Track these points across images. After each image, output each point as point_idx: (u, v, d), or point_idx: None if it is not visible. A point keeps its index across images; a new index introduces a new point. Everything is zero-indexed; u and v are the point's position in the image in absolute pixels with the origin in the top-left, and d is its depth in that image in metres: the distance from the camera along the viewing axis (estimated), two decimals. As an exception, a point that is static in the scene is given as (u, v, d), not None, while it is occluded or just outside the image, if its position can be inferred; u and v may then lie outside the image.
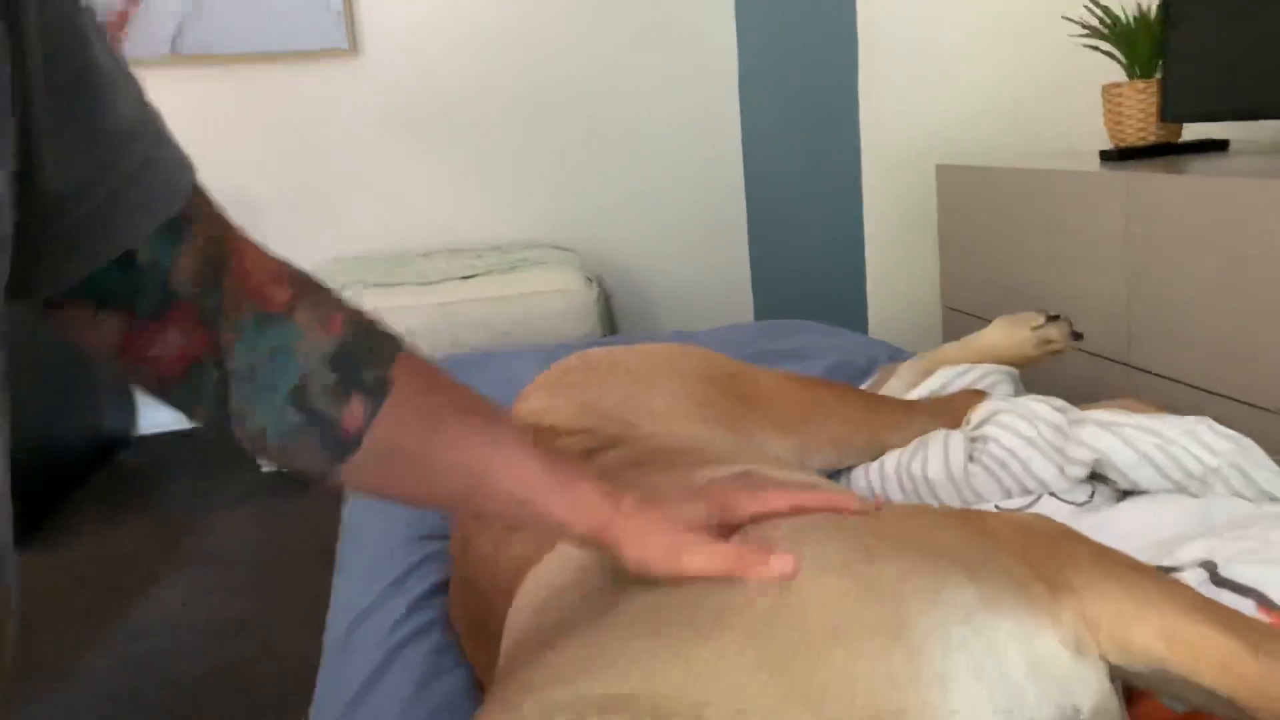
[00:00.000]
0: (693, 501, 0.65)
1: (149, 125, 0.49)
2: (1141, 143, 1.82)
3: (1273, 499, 0.99)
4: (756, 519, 0.66)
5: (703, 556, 0.60)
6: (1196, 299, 1.46)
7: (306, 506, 2.72)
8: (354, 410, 0.56)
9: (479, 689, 0.89)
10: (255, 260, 0.55)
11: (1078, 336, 1.46)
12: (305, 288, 0.57)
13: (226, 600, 2.15)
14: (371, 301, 2.77)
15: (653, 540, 0.62)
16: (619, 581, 0.65)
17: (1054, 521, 0.71)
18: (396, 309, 2.79)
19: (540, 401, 1.14)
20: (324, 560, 2.26)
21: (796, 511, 0.66)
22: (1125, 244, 1.59)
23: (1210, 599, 0.62)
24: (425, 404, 0.60)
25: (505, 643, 0.72)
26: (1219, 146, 1.81)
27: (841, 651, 0.54)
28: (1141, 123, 1.79)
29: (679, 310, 3.69)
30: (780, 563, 0.59)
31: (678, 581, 0.61)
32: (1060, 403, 1.11)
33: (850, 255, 2.40)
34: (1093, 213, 1.67)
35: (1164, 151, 1.79)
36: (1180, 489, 1.00)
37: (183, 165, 0.52)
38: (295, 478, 2.97)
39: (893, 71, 2.28)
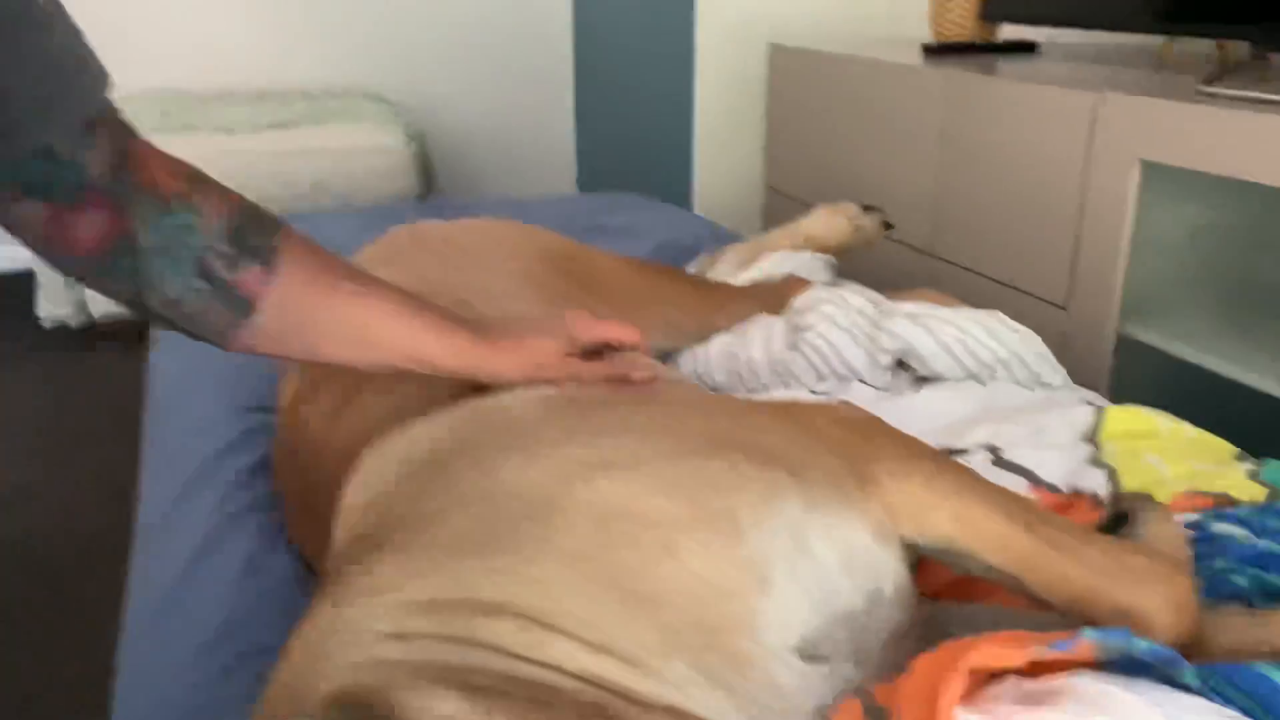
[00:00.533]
0: (545, 336, 0.79)
1: (73, 52, 0.60)
2: (960, 39, 1.90)
3: (1046, 386, 1.11)
4: (595, 341, 0.81)
5: (559, 370, 0.78)
6: (996, 198, 1.57)
7: (96, 364, 2.54)
8: (250, 275, 0.68)
9: (307, 569, 0.89)
10: (155, 158, 0.67)
11: (889, 228, 1.55)
12: (196, 179, 0.68)
13: (9, 466, 2.00)
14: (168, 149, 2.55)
15: (514, 367, 0.77)
16: (447, 478, 0.66)
17: (866, 413, 0.78)
18: (195, 159, 2.58)
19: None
20: (118, 425, 2.14)
21: (626, 340, 0.83)
22: (939, 140, 1.68)
23: (995, 485, 0.70)
24: (310, 268, 0.71)
25: (338, 534, 0.72)
26: (1028, 48, 1.92)
27: (672, 565, 0.58)
28: (962, 20, 1.87)
29: (500, 172, 3.60)
30: (640, 389, 0.75)
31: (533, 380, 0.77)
32: (874, 295, 1.19)
33: (679, 128, 2.41)
34: (912, 107, 1.74)
35: (979, 50, 1.88)
36: (972, 377, 1.10)
37: (99, 80, 0.63)
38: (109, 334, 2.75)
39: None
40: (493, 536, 0.59)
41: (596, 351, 0.83)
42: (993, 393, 1.08)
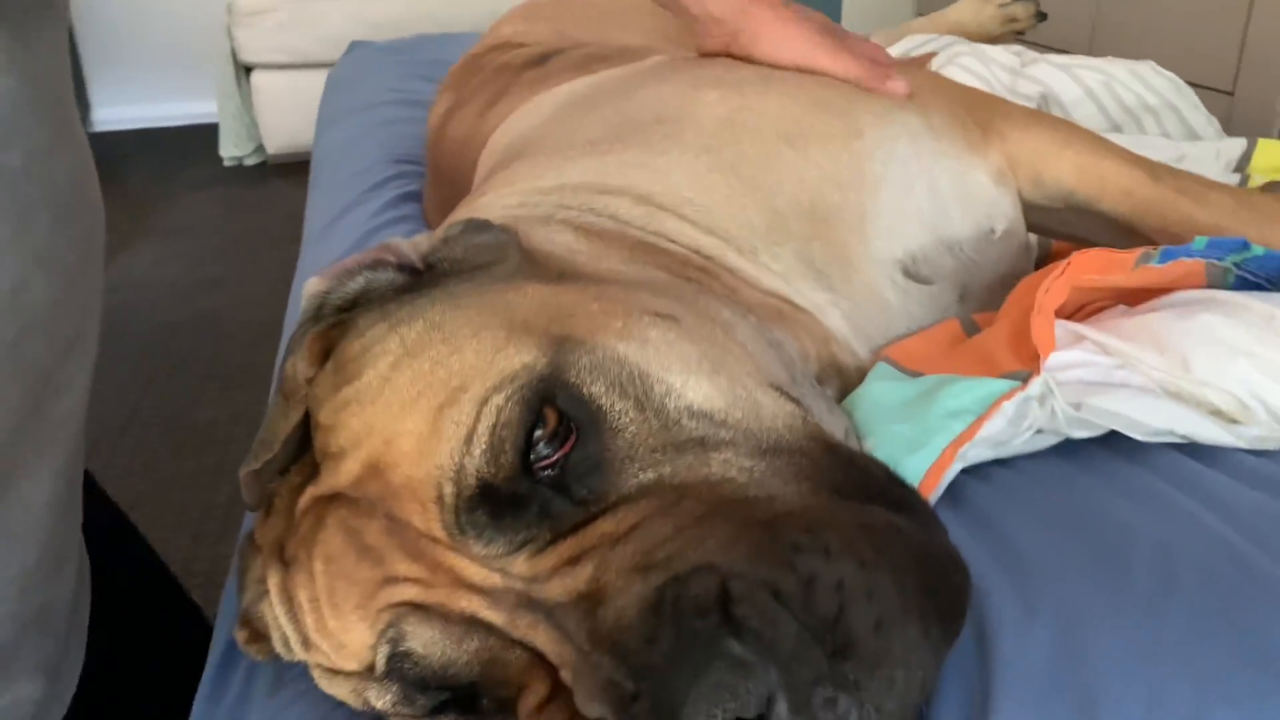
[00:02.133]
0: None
1: None
2: None
3: (1197, 139, 1.06)
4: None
5: (832, 59, 0.67)
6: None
7: (269, 192, 2.74)
8: None
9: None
10: None
11: (1042, 17, 1.48)
12: None
13: (196, 265, 2.21)
14: None
15: (790, 33, 0.68)
16: (586, 107, 0.70)
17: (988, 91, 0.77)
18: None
19: (514, 26, 1.15)
20: (291, 235, 2.31)
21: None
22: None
23: (1119, 145, 0.69)
24: None
25: (478, 176, 0.78)
26: None
27: (792, 154, 0.61)
28: None
29: None
30: (897, 85, 0.65)
31: (805, 70, 0.68)
32: (1018, 48, 1.15)
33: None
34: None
35: None
36: (1115, 128, 1.06)
37: None
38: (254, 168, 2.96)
39: None
40: (625, 135, 0.63)
41: None
42: (1139, 143, 1.04)
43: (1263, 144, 0.94)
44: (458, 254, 0.48)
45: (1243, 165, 0.93)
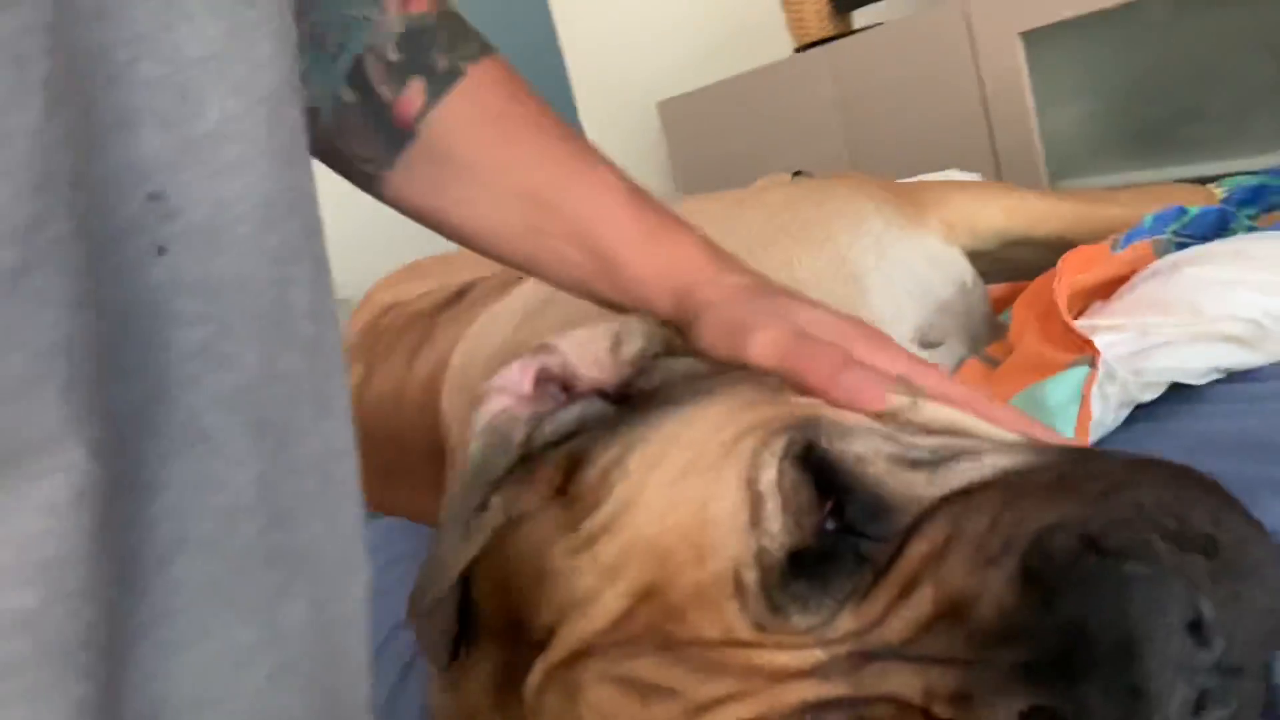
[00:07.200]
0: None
1: None
2: (824, 35, 2.10)
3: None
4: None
5: (767, 344, 0.46)
6: (904, 128, 1.73)
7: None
8: (412, 94, 0.50)
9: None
10: None
11: (798, 174, 1.69)
12: None
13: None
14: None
15: (726, 315, 0.48)
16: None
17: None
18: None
19: (392, 292, 1.13)
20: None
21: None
22: (839, 110, 1.85)
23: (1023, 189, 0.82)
24: (499, 109, 0.52)
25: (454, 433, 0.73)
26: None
27: (789, 277, 0.67)
28: (818, 19, 2.08)
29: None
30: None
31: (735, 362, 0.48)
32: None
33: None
34: (804, 95, 1.92)
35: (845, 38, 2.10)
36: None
37: None
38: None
39: (591, 24, 2.47)
40: None
41: None
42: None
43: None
44: (655, 383, 0.47)
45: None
